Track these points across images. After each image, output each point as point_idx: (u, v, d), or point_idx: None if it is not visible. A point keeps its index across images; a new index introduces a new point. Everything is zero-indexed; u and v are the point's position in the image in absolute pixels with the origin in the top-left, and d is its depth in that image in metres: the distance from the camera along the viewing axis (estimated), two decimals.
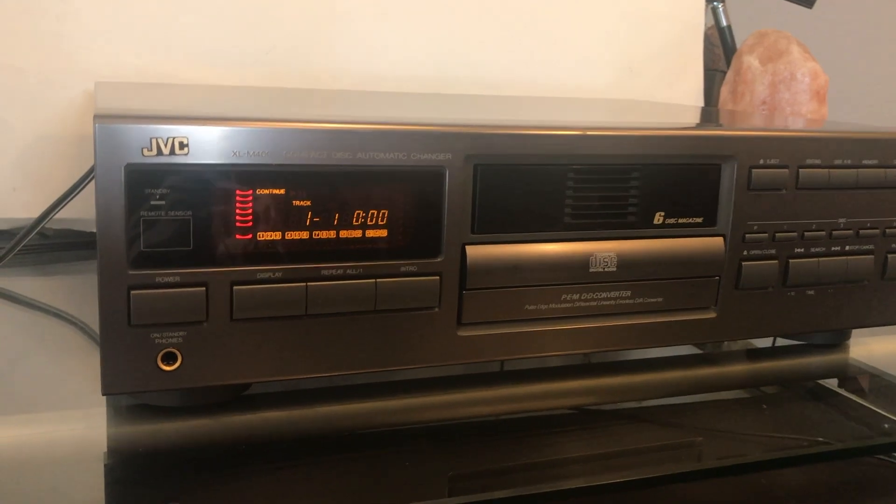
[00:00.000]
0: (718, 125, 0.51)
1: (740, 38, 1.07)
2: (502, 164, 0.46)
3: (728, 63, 1.09)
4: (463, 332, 0.47)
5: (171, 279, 0.40)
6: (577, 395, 0.54)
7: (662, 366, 0.59)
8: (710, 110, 0.88)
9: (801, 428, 0.52)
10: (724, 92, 1.05)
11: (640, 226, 0.50)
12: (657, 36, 1.01)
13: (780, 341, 0.64)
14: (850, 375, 0.61)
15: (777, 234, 0.53)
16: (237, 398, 0.47)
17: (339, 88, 0.82)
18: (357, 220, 0.43)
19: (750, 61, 1.01)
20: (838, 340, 0.62)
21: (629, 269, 0.49)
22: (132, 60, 0.77)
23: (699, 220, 0.51)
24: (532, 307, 0.48)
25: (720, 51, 1.20)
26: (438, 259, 0.45)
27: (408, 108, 0.57)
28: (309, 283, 0.42)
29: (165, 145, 0.39)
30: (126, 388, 0.41)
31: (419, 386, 0.50)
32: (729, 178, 0.51)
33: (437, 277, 0.45)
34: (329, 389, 0.49)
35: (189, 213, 0.40)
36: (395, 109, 0.56)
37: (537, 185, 0.47)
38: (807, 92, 0.99)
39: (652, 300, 0.51)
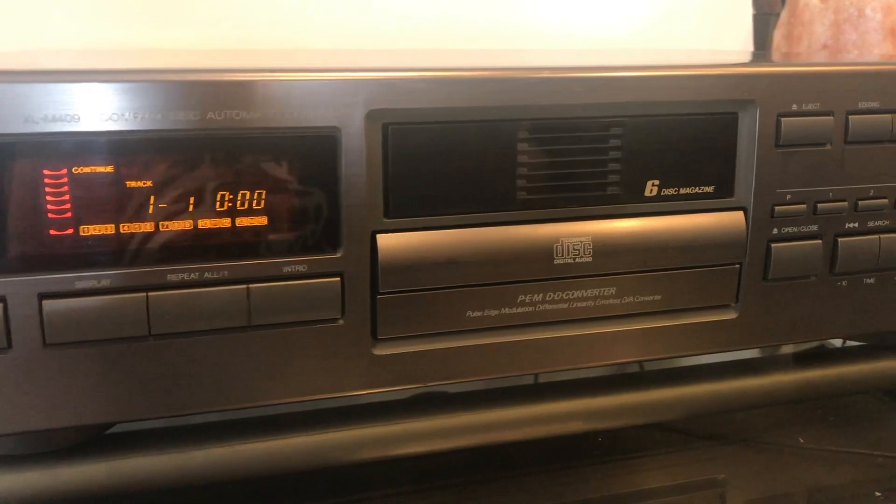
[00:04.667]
0: (734, 62, 0.38)
1: None
2: (424, 122, 0.33)
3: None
4: (380, 351, 0.35)
5: None
6: (578, 418, 0.42)
7: (685, 376, 0.47)
8: (756, 54, 0.73)
9: None
10: (778, 36, 0.89)
11: (625, 200, 0.37)
12: None
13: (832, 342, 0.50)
14: None
15: (820, 205, 0.39)
16: (97, 439, 0.36)
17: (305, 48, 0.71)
18: (223, 205, 0.32)
19: None
20: None
21: (610, 259, 0.37)
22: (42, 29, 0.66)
23: (709, 188, 0.38)
24: (476, 314, 0.36)
25: None
26: (338, 254, 0.33)
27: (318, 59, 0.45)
28: (150, 294, 0.31)
29: None
30: None
31: (341, 417, 0.38)
32: (749, 131, 0.38)
33: (338, 279, 0.33)
34: (225, 424, 0.38)
35: None
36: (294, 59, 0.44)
37: (478, 150, 0.34)
38: (878, 31, 0.83)
39: (646, 298, 0.38)
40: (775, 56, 0.79)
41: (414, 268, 0.34)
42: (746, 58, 0.55)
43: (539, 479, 0.36)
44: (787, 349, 0.52)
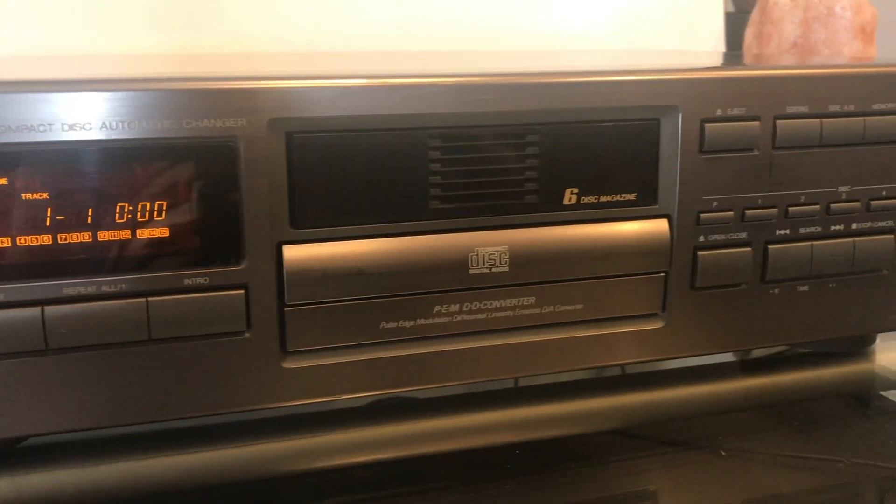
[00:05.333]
0: (656, 68, 0.37)
1: None
2: (330, 130, 0.33)
3: None
4: (291, 364, 0.34)
5: None
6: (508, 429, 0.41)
7: (625, 384, 0.46)
8: (728, 55, 0.73)
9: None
10: (749, 36, 0.88)
11: (543, 208, 0.36)
12: None
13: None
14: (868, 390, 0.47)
15: (748, 212, 0.38)
16: (8, 452, 0.36)
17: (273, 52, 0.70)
18: (123, 217, 0.32)
19: None
20: (859, 347, 0.48)
21: (528, 268, 0.36)
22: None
23: (631, 196, 0.37)
24: (391, 325, 0.35)
25: None
26: (241, 266, 0.33)
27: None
28: (46, 307, 0.31)
29: None
30: None
31: (251, 430, 0.38)
32: (671, 138, 0.37)
33: (242, 291, 0.33)
34: (147, 436, 0.37)
35: None
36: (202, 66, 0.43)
37: (387, 159, 0.34)
38: (848, 29, 0.83)
39: (568, 308, 0.37)
40: (747, 56, 0.78)
41: (322, 279, 0.33)
42: (717, 59, 0.54)
43: (453, 494, 0.35)
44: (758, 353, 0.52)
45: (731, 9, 1.04)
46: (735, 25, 0.93)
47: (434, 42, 0.74)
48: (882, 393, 0.49)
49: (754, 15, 0.87)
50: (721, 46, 0.90)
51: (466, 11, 0.75)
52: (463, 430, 0.39)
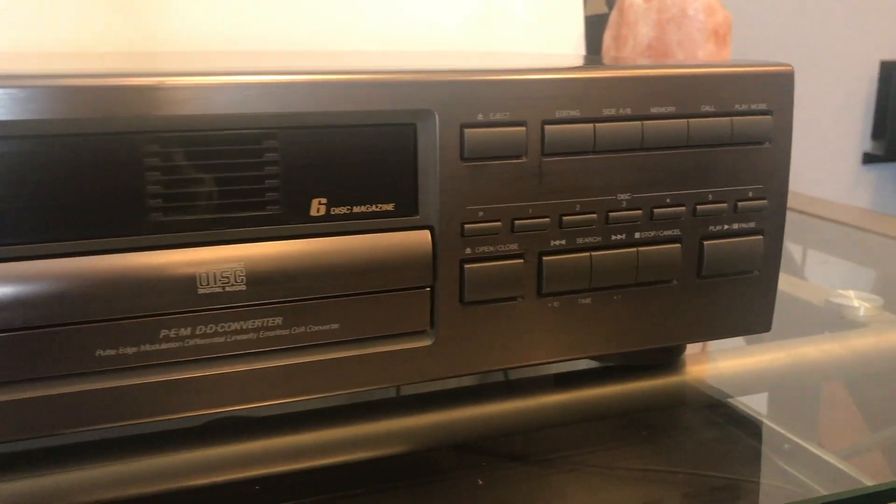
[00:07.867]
0: (409, 69, 0.35)
1: None
2: (19, 135, 0.29)
3: None
4: None
5: None
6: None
7: (432, 402, 0.43)
8: (587, 58, 0.71)
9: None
10: (607, 38, 0.88)
11: (286, 221, 0.33)
12: None
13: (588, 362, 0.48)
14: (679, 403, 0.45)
15: (518, 222, 0.36)
16: None
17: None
18: None
19: None
20: (667, 359, 0.46)
21: (269, 286, 0.33)
22: None
23: (389, 206, 0.34)
24: (109, 353, 0.31)
25: None
26: None
27: None
28: None
29: None
30: None
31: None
32: (429, 144, 0.34)
33: None
34: None
35: None
36: None
37: (91, 167, 0.30)
38: (702, 31, 0.82)
39: (322, 328, 0.34)
40: (605, 59, 0.76)
41: (17, 303, 0.30)
42: (576, 61, 0.52)
43: None
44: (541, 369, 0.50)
45: (605, 9, 1.03)
46: (595, 28, 0.92)
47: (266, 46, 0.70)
48: (729, 400, 0.48)
49: (612, 17, 0.86)
50: (581, 49, 0.88)
51: (309, 13, 0.72)
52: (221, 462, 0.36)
